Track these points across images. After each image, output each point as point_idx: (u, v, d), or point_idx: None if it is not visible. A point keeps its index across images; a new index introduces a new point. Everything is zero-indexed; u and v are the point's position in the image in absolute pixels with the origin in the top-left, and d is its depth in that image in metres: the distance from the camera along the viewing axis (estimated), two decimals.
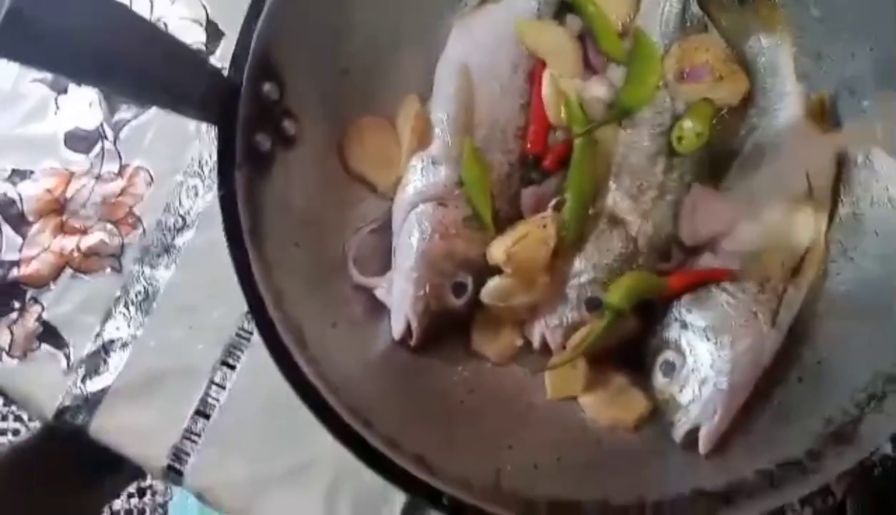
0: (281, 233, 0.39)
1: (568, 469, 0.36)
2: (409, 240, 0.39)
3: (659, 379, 0.38)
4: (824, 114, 0.40)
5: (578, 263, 0.39)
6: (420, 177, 0.40)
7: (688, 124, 0.40)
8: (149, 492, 1.27)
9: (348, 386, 0.36)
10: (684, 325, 0.37)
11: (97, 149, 0.46)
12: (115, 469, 0.52)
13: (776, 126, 0.40)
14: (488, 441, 0.37)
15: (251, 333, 0.43)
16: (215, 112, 0.35)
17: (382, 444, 0.33)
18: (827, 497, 0.32)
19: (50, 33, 0.26)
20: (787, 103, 0.40)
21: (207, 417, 0.42)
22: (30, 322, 0.43)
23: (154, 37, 0.33)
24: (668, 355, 0.37)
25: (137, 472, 0.57)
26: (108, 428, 0.42)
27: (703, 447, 0.36)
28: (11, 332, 0.43)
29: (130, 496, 1.28)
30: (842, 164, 0.39)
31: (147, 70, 0.31)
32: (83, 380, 0.43)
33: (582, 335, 0.38)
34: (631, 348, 0.40)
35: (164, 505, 1.26)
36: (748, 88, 0.41)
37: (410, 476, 0.33)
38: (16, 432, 1.20)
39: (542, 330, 0.39)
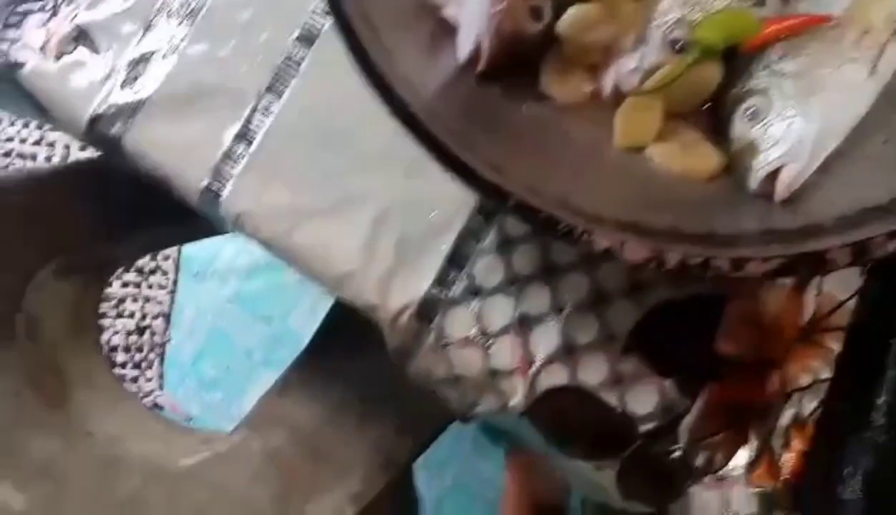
0: None
1: (636, 205, 0.35)
2: None
3: (740, 125, 0.35)
4: None
5: (667, 2, 0.36)
6: None
7: None
8: (147, 332, 1.28)
9: (417, 88, 0.33)
10: (774, 72, 0.35)
11: None
12: (153, 221, 0.50)
13: None
14: (554, 171, 0.35)
15: (300, 63, 0.41)
16: None
17: (455, 142, 0.31)
18: None
19: None
20: None
21: (250, 142, 0.40)
22: (64, 23, 0.40)
23: None
24: (754, 101, 0.35)
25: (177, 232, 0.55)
26: (144, 141, 0.40)
27: (780, 191, 0.34)
28: (47, 32, 0.40)
29: (129, 333, 1.29)
30: None
31: None
32: (121, 88, 0.40)
33: (663, 73, 0.36)
34: (707, 110, 0.37)
35: (162, 346, 1.27)
36: None
37: (480, 177, 0.31)
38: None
39: (616, 74, 0.37)
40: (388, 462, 0.56)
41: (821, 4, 0.36)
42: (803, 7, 0.36)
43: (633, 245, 0.31)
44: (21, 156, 1.21)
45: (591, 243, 0.30)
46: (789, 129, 0.34)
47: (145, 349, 1.32)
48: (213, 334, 1.26)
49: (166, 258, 1.28)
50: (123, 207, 0.47)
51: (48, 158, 1.22)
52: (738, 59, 0.36)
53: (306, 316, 1.23)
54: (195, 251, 1.25)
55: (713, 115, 0.38)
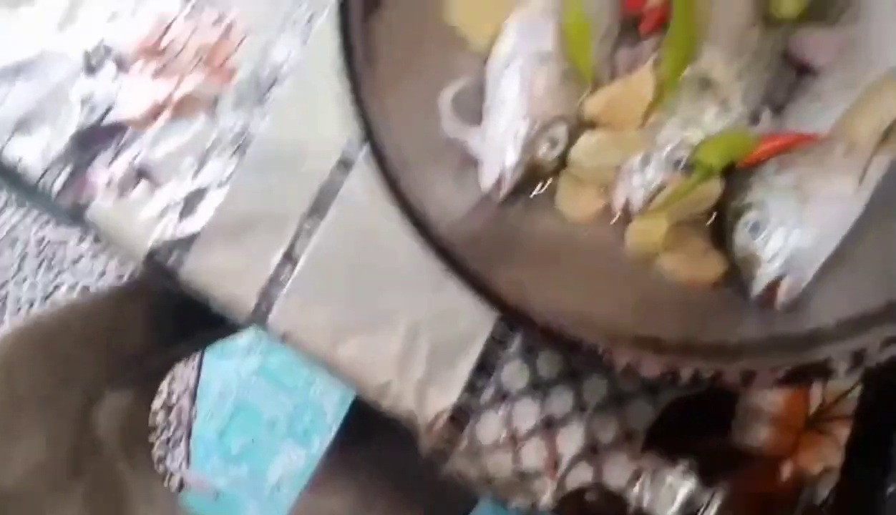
0: (389, 65, 0.38)
1: (650, 315, 0.38)
2: (507, 94, 0.40)
3: (742, 237, 0.39)
4: None
5: (669, 126, 0.40)
6: (520, 32, 0.41)
7: None
8: (174, 410, 1.30)
9: (445, 213, 0.37)
10: (770, 186, 0.38)
11: None
12: (206, 323, 0.53)
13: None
14: (572, 284, 0.38)
15: (339, 188, 0.45)
16: None
17: (481, 266, 0.34)
18: None
19: None
20: None
21: (294, 264, 0.44)
22: (127, 162, 0.45)
23: None
24: (753, 215, 0.38)
25: (224, 331, 0.59)
26: (199, 269, 0.44)
27: (781, 298, 0.37)
28: (109, 171, 0.44)
29: (155, 413, 1.31)
30: None
31: None
32: (179, 221, 0.44)
33: (668, 192, 0.39)
34: (708, 217, 0.41)
35: (189, 423, 1.30)
36: None
37: (504, 301, 0.34)
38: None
39: (625, 192, 0.41)
40: None
41: (809, 120, 0.40)
42: (791, 122, 0.40)
43: (649, 362, 0.34)
44: None
45: (611, 361, 0.34)
46: (787, 241, 0.37)
47: (172, 427, 1.34)
48: (239, 406, 1.29)
49: None
50: (174, 319, 0.51)
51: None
52: (736, 173, 0.40)
53: (326, 387, 1.26)
54: None
55: (718, 224, 0.41)
